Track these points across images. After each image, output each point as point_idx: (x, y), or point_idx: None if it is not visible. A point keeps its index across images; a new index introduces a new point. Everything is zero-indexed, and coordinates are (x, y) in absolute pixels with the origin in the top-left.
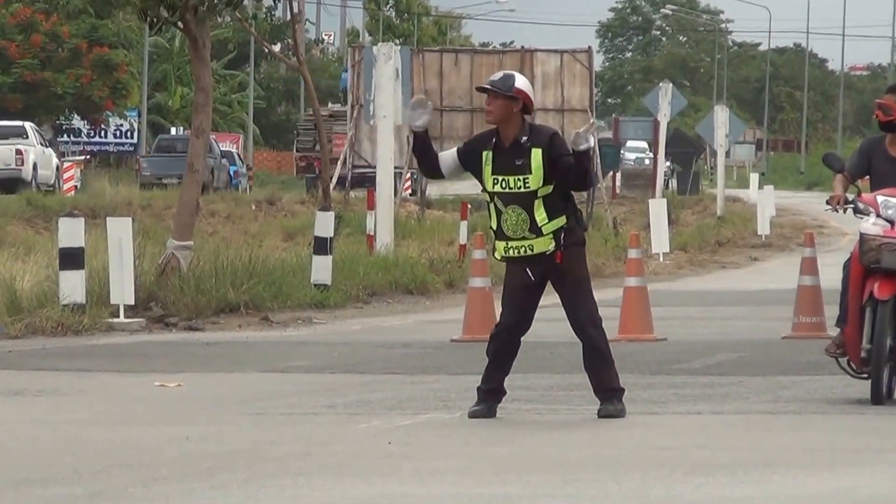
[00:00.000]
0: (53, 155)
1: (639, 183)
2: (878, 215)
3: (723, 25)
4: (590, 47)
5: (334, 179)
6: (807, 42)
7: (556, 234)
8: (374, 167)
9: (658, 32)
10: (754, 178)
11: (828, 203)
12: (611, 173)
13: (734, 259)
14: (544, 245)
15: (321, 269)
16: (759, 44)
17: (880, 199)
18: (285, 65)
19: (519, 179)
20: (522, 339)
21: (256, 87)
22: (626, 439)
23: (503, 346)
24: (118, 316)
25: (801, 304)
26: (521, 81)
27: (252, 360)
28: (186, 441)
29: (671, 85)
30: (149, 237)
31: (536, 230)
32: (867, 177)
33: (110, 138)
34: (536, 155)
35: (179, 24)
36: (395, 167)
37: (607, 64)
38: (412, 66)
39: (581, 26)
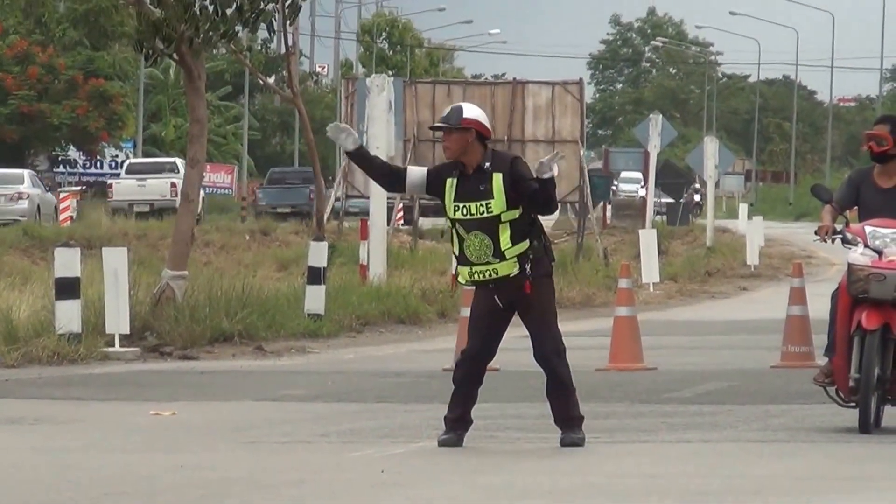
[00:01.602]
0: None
1: (629, 213)
2: (866, 246)
3: (712, 57)
4: (581, 79)
5: (327, 212)
6: (795, 74)
7: (519, 257)
8: (367, 198)
9: (648, 64)
10: (743, 208)
11: (816, 233)
12: (601, 204)
13: (723, 289)
14: (508, 268)
15: (314, 298)
16: (748, 76)
17: (868, 229)
18: (280, 97)
19: (482, 205)
20: (513, 369)
21: (251, 119)
22: (616, 467)
23: (469, 373)
24: (113, 345)
25: (789, 334)
26: (469, 111)
27: (246, 389)
28: (181, 469)
29: (661, 116)
30: (144, 267)
31: (499, 255)
32: (855, 208)
33: (106, 169)
34: (497, 179)
35: (175, 55)
36: (388, 198)
37: (598, 95)
38: (405, 98)
39: (572, 58)
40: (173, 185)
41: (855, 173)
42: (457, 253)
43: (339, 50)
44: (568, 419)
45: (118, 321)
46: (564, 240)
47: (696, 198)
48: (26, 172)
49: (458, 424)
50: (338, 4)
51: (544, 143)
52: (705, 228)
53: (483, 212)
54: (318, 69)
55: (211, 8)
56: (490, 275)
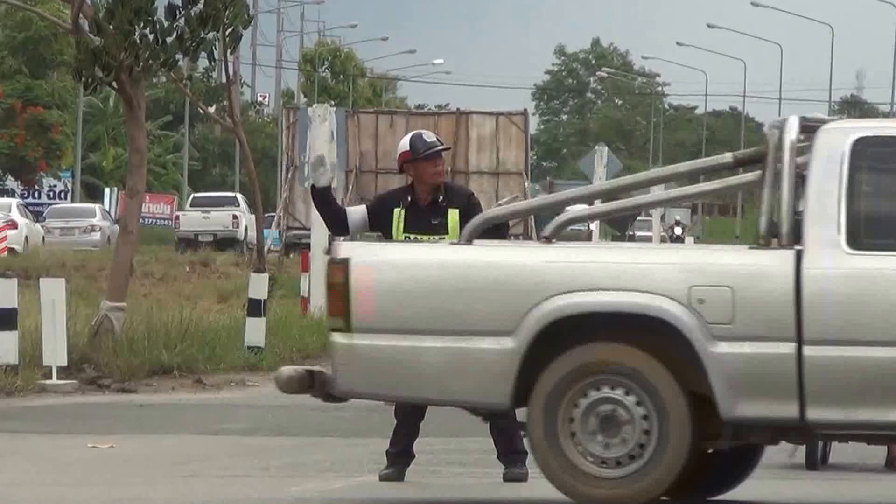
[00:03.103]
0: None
1: None
2: None
3: (659, 89)
4: (525, 110)
5: (268, 243)
6: (743, 105)
7: None
8: (308, 229)
9: (593, 95)
10: (689, 241)
11: None
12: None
13: None
14: None
15: (255, 331)
16: (695, 107)
17: None
18: (221, 126)
19: (434, 239)
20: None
21: (191, 149)
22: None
23: (410, 407)
24: (51, 377)
25: None
26: None
27: (185, 423)
28: (119, 503)
29: (606, 148)
30: (82, 298)
31: None
32: None
33: (44, 199)
34: (453, 215)
35: (114, 84)
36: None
37: (542, 126)
38: (347, 128)
39: (516, 89)
40: (235, 217)
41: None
42: None
43: (281, 79)
44: (512, 454)
45: (56, 353)
46: None
47: (678, 231)
48: (97, 207)
49: (399, 459)
50: (279, 33)
51: (488, 174)
52: None
53: None
54: (260, 98)
55: (151, 36)
56: None
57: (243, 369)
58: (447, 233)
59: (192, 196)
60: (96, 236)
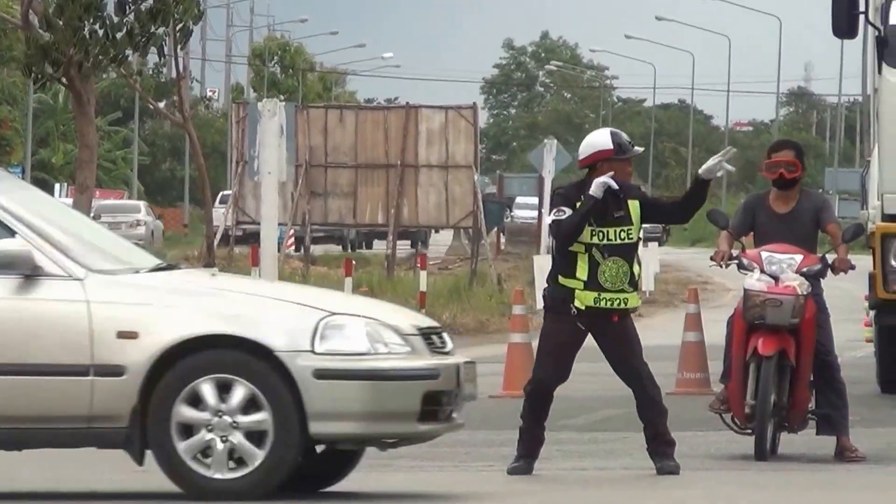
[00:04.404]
0: None
1: (523, 239)
2: (762, 271)
3: (607, 81)
4: (475, 103)
5: (218, 237)
6: (691, 98)
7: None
8: (258, 224)
9: (542, 89)
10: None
11: (712, 259)
12: (495, 229)
13: None
14: (635, 301)
15: None
16: (643, 100)
17: (764, 255)
18: (170, 121)
19: (622, 231)
20: None
21: (141, 144)
22: (509, 496)
23: (541, 399)
24: None
25: (684, 360)
26: None
27: None
28: (76, 496)
29: (555, 141)
30: None
31: (634, 283)
32: (751, 234)
33: None
34: (635, 206)
35: (64, 80)
36: (279, 223)
37: (492, 120)
38: (297, 123)
39: (466, 82)
40: None
41: (750, 199)
42: (584, 278)
43: (230, 74)
44: (667, 444)
45: None
46: (458, 265)
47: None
48: (142, 204)
49: (533, 447)
50: (228, 28)
51: (438, 167)
52: None
53: (624, 237)
54: (209, 93)
55: (101, 32)
56: (619, 304)
57: None
58: (632, 224)
59: (220, 194)
60: (141, 230)
